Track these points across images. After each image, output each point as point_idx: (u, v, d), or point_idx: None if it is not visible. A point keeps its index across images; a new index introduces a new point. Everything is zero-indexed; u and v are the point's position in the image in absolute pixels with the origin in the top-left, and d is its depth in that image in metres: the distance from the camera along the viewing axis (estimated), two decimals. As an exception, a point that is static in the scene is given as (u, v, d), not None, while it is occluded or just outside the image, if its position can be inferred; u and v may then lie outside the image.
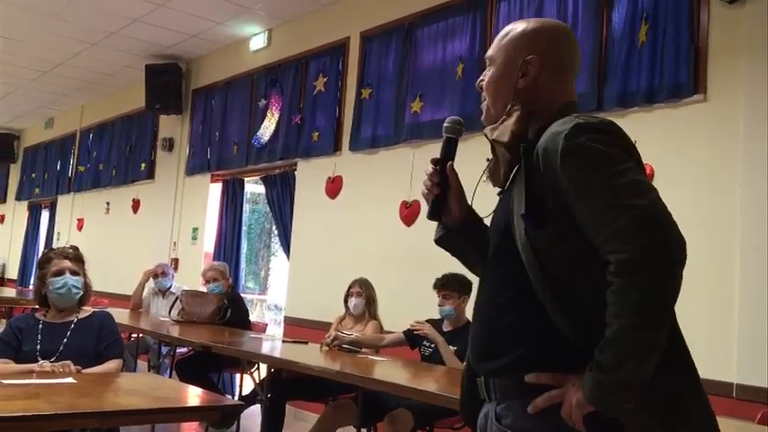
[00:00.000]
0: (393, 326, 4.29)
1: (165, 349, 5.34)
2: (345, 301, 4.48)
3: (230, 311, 5.29)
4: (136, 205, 8.53)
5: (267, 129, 6.41)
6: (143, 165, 8.41)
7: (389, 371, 3.68)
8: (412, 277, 4.72)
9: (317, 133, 5.87)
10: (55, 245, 9.19)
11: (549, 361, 1.32)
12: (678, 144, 3.60)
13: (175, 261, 7.51)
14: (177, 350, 5.24)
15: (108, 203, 9.14)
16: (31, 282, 9.87)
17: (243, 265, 7.24)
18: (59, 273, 3.01)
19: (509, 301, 1.39)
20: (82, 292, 3.06)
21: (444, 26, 4.96)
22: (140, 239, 8.19)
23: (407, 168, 4.96)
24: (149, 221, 8.19)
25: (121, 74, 8.42)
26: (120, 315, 4.85)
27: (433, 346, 3.83)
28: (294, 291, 6.07)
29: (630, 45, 3.81)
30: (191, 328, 4.96)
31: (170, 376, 5.03)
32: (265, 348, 4.31)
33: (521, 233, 1.35)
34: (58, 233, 10.29)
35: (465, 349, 3.67)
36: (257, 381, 4.56)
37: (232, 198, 7.05)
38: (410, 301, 4.58)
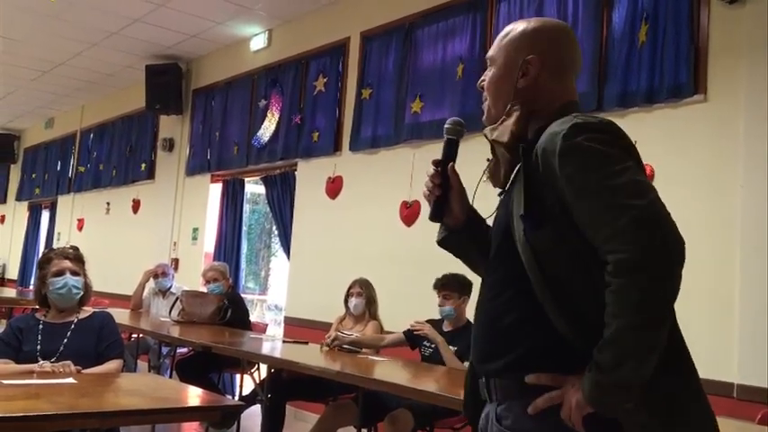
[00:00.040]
0: (393, 326, 4.29)
1: (165, 349, 5.34)
2: (346, 302, 4.48)
3: (230, 312, 5.29)
4: (136, 205, 8.54)
5: (267, 129, 6.41)
6: (143, 165, 8.41)
7: (390, 371, 3.68)
8: (412, 277, 4.72)
9: (317, 133, 5.88)
10: (55, 245, 9.20)
11: (549, 361, 1.31)
12: (678, 144, 3.60)
13: (176, 261, 7.51)
14: (177, 350, 5.24)
15: (108, 204, 9.14)
16: (32, 282, 9.87)
17: (243, 265, 7.24)
18: (60, 273, 3.01)
19: (509, 301, 1.39)
20: (82, 293, 3.06)
21: (444, 26, 4.96)
22: (140, 240, 8.20)
23: (408, 168, 4.96)
24: (150, 222, 8.19)
25: (122, 74, 8.42)
26: (121, 315, 4.85)
27: (433, 346, 3.83)
28: (294, 291, 6.07)
29: (630, 45, 3.81)
30: (191, 328, 4.96)
31: (170, 376, 5.03)
32: (265, 349, 4.31)
33: (520, 234, 1.35)
34: (59, 233, 10.29)
35: (465, 349, 3.70)
36: (257, 381, 4.56)
37: (232, 198, 7.06)
38: (410, 301, 4.58)
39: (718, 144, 3.47)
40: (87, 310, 3.12)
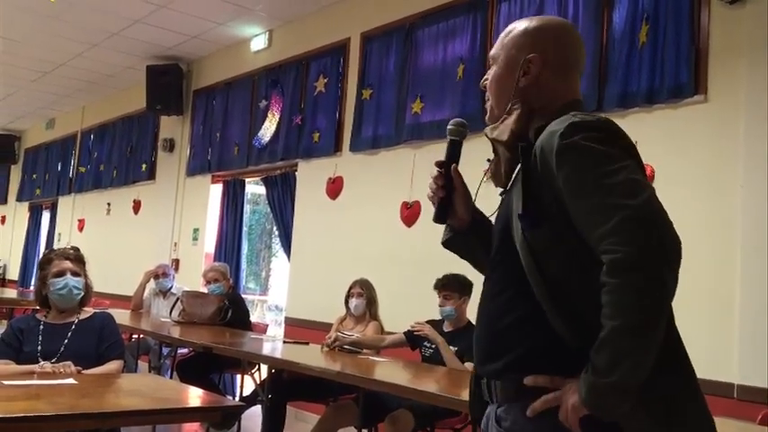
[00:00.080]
0: (394, 326, 4.29)
1: (165, 350, 5.35)
2: (346, 302, 4.48)
3: (231, 312, 5.30)
4: (137, 206, 8.54)
5: (268, 129, 6.41)
6: (144, 165, 8.41)
7: (390, 372, 3.68)
8: (413, 278, 4.72)
9: (317, 134, 5.88)
10: (56, 246, 9.22)
11: (548, 362, 1.31)
12: (679, 144, 3.60)
13: (176, 262, 7.52)
14: (178, 351, 5.24)
15: (109, 204, 9.15)
16: (32, 283, 9.87)
17: (244, 265, 7.24)
18: (60, 274, 3.01)
19: (509, 301, 1.39)
20: (83, 293, 3.06)
21: (445, 27, 4.96)
22: (141, 240, 8.20)
23: (408, 169, 4.96)
24: (150, 222, 8.19)
25: (122, 75, 8.42)
26: (121, 316, 4.85)
27: (433, 346, 3.82)
28: (295, 291, 6.08)
29: (631, 45, 3.81)
30: (191, 328, 4.96)
31: (171, 377, 5.03)
32: (266, 349, 4.31)
33: (518, 233, 1.35)
34: (59, 234, 10.29)
35: (465, 350, 3.70)
36: (258, 381, 4.56)
37: (233, 199, 7.06)
38: (411, 301, 4.58)
39: (718, 144, 3.47)
40: (88, 311, 3.12)
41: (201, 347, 4.23)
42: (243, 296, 6.06)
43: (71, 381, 2.63)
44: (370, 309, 4.41)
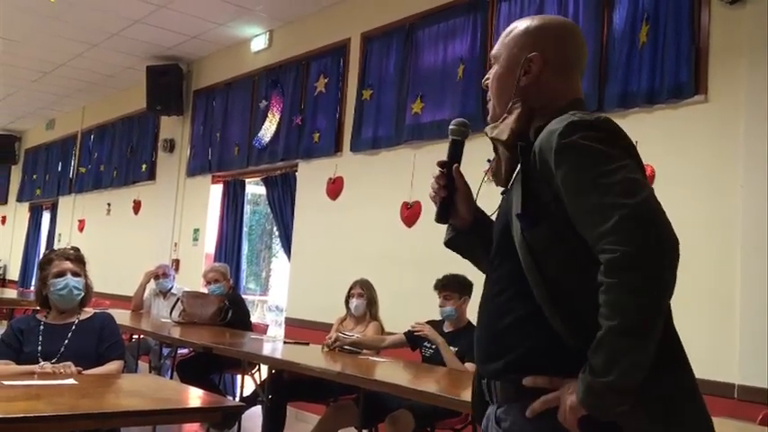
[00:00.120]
0: (394, 327, 4.29)
1: (166, 350, 5.35)
2: (346, 302, 4.48)
3: (231, 312, 5.30)
4: (137, 206, 8.54)
5: (268, 130, 6.41)
6: (144, 166, 8.41)
7: (390, 372, 3.68)
8: (413, 278, 4.72)
9: (317, 134, 5.88)
10: (56, 246, 9.21)
11: (548, 362, 1.31)
12: (679, 144, 3.60)
13: (176, 262, 7.52)
14: (178, 351, 5.24)
15: (109, 204, 9.15)
16: (33, 283, 9.87)
17: (244, 266, 7.25)
18: (60, 274, 3.01)
19: (510, 301, 1.38)
20: (83, 294, 3.06)
21: (445, 27, 4.96)
22: (141, 241, 8.20)
23: (408, 169, 4.96)
24: (150, 222, 8.19)
25: (122, 75, 8.43)
26: (122, 316, 4.85)
27: (433, 347, 3.82)
28: (295, 292, 6.07)
29: (631, 45, 3.81)
30: (192, 329, 4.96)
31: (171, 377, 5.03)
32: (266, 349, 4.30)
33: (517, 232, 1.35)
34: (59, 234, 10.29)
35: (466, 350, 3.70)
36: (258, 382, 4.56)
37: (233, 199, 7.06)
38: (411, 302, 4.58)
39: (718, 144, 3.47)
40: (88, 311, 3.12)
41: (202, 348, 4.23)
42: (243, 296, 6.07)
43: (71, 381, 2.63)
44: (371, 309, 4.41)
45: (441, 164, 1.61)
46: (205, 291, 5.56)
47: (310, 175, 5.97)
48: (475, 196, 1.63)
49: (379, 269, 4.91)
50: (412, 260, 4.86)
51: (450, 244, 1.67)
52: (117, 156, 9.03)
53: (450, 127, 1.64)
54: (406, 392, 3.06)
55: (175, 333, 4.73)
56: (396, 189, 5.07)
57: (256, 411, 4.70)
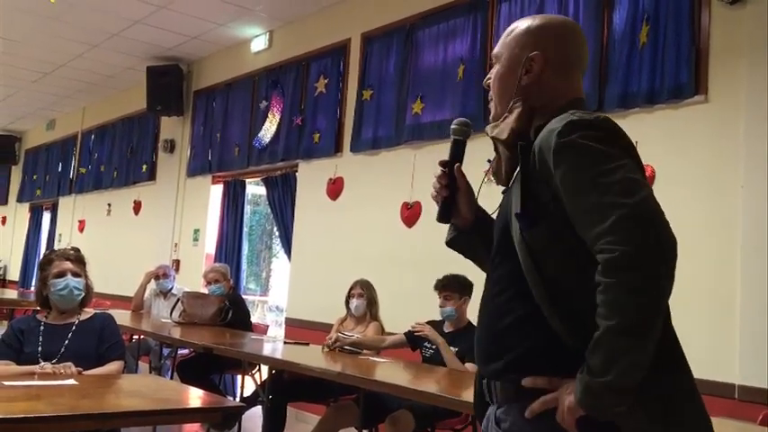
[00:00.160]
0: (394, 327, 4.29)
1: (166, 351, 5.35)
2: (347, 303, 4.48)
3: (231, 313, 5.30)
4: (137, 207, 8.54)
5: (268, 130, 6.41)
6: (144, 166, 8.42)
7: (391, 372, 3.68)
8: (413, 278, 4.72)
9: (318, 135, 5.88)
10: (56, 246, 9.22)
11: (548, 362, 1.30)
12: (679, 145, 3.60)
13: (177, 262, 7.52)
14: (178, 351, 5.24)
15: (109, 205, 9.15)
16: (33, 283, 9.87)
17: (244, 266, 7.25)
18: (61, 274, 3.01)
19: (510, 301, 1.38)
20: (83, 294, 3.06)
21: (445, 27, 4.96)
22: (141, 241, 8.20)
23: (408, 169, 4.96)
24: (150, 223, 8.19)
25: (123, 75, 8.43)
26: (122, 316, 4.86)
27: (434, 347, 3.82)
28: (295, 292, 6.07)
29: (631, 46, 3.81)
30: (192, 329, 4.96)
31: (171, 378, 5.03)
32: (266, 350, 4.30)
33: (517, 233, 1.35)
34: (60, 235, 10.30)
35: (466, 350, 3.70)
36: (258, 382, 4.56)
37: (233, 199, 7.06)
38: (411, 302, 4.58)
39: (718, 144, 3.47)
40: (88, 312, 3.12)
41: (202, 348, 4.23)
42: (243, 297, 6.07)
43: (71, 381, 2.63)
44: (371, 309, 4.41)
45: (442, 163, 1.61)
46: (205, 291, 5.56)
47: (310, 176, 5.97)
48: (476, 196, 1.63)
49: (380, 269, 4.91)
50: (412, 260, 4.86)
51: (451, 243, 1.67)
52: (117, 156, 9.04)
53: (452, 126, 1.64)
54: (406, 393, 3.06)
55: (176, 333, 4.73)
56: (396, 189, 5.07)
57: (257, 412, 4.70)
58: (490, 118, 1.56)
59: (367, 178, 5.41)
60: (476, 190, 1.63)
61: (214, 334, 4.74)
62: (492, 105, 1.56)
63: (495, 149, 1.52)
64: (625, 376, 1.16)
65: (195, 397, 2.86)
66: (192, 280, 6.87)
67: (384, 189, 5.22)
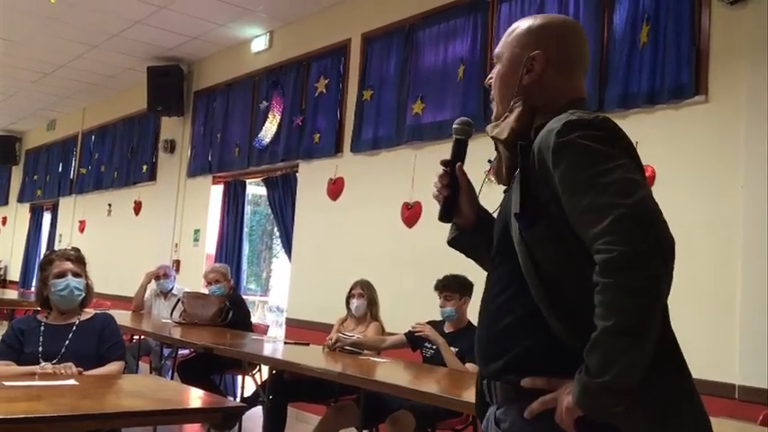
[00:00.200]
0: (394, 327, 4.29)
1: (166, 351, 5.35)
2: (347, 303, 4.49)
3: (232, 313, 5.30)
4: (137, 207, 8.54)
5: (268, 130, 6.41)
6: (145, 166, 8.42)
7: (391, 372, 3.68)
8: (413, 279, 4.72)
9: (318, 135, 5.88)
10: (57, 247, 9.22)
11: (547, 362, 1.30)
12: (679, 145, 3.60)
13: (177, 263, 7.52)
14: (179, 352, 5.24)
15: (110, 205, 9.15)
16: (33, 284, 9.87)
17: (244, 266, 7.25)
18: (61, 274, 3.01)
19: (509, 301, 1.38)
20: (84, 294, 3.06)
21: (445, 27, 4.96)
22: (142, 241, 8.20)
23: (409, 170, 4.96)
24: (151, 223, 8.19)
25: (123, 76, 8.43)
26: (122, 317, 4.86)
27: (434, 347, 3.82)
28: (296, 292, 6.08)
29: (632, 46, 3.81)
30: (192, 329, 4.96)
31: (171, 378, 5.03)
32: (267, 350, 4.31)
33: (516, 232, 1.35)
34: (60, 235, 10.30)
35: (466, 350, 3.70)
36: (259, 382, 4.56)
37: (234, 200, 7.06)
38: (411, 302, 4.58)
39: (719, 145, 3.47)
40: (89, 312, 3.12)
41: (202, 348, 4.23)
42: (244, 297, 6.07)
43: (72, 382, 2.63)
44: (371, 310, 4.42)
45: (444, 162, 1.61)
46: (206, 291, 5.56)
47: (311, 176, 5.97)
48: (477, 195, 1.64)
49: (380, 270, 4.91)
50: (412, 261, 4.86)
51: (453, 243, 1.68)
52: (118, 156, 9.04)
53: (454, 126, 1.65)
54: (406, 393, 3.06)
55: (176, 334, 4.73)
56: (396, 189, 5.07)
57: (257, 412, 4.69)
58: (492, 118, 1.56)
59: (367, 178, 5.42)
60: (477, 190, 1.63)
61: (214, 334, 4.74)
62: (494, 105, 1.56)
63: (496, 149, 1.52)
64: (623, 377, 1.16)
65: (196, 397, 2.86)
66: (192, 280, 6.88)
67: (384, 189, 5.22)
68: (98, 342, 2.99)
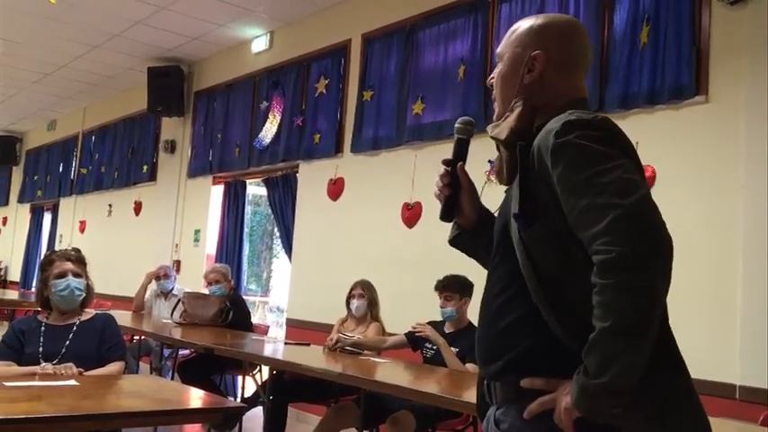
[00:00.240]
0: (395, 328, 4.29)
1: (167, 351, 5.35)
2: (347, 303, 4.49)
3: (232, 313, 5.30)
4: (138, 207, 8.55)
5: (269, 131, 6.41)
6: (145, 167, 8.42)
7: (391, 373, 3.68)
8: (414, 279, 4.72)
9: (318, 135, 5.88)
10: (57, 247, 9.21)
11: (546, 364, 1.30)
12: (679, 145, 3.60)
13: (177, 263, 7.52)
14: (179, 352, 5.24)
15: (110, 206, 9.15)
16: (34, 284, 9.87)
17: (245, 266, 7.25)
18: (62, 275, 3.01)
19: (509, 301, 1.38)
20: (84, 295, 3.06)
21: (446, 28, 4.96)
22: (142, 241, 8.20)
23: (409, 170, 4.96)
24: (151, 223, 8.20)
25: (123, 76, 8.43)
26: (123, 317, 4.86)
27: (434, 347, 3.82)
28: (296, 292, 6.08)
29: (632, 46, 3.81)
30: (193, 330, 4.96)
31: (172, 378, 5.03)
32: (267, 350, 4.31)
33: (515, 233, 1.35)
34: (61, 235, 10.30)
35: (467, 351, 3.70)
36: (259, 383, 4.57)
37: (234, 200, 7.07)
38: (412, 302, 4.58)
39: (719, 145, 3.47)
40: (89, 312, 3.12)
41: (203, 349, 4.23)
42: (244, 297, 6.07)
43: (72, 382, 2.63)
44: (372, 310, 4.42)
45: (446, 162, 1.61)
46: (206, 292, 5.56)
47: (311, 176, 5.97)
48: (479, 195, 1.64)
49: (380, 270, 4.91)
50: (413, 261, 4.86)
51: (454, 242, 1.67)
52: (118, 157, 9.04)
53: (456, 125, 1.65)
54: (407, 393, 3.06)
55: (176, 334, 4.73)
56: (397, 190, 5.07)
57: (257, 412, 4.69)
58: (494, 117, 1.56)
59: (368, 179, 5.42)
60: (478, 190, 1.63)
61: (215, 334, 4.74)
62: (496, 105, 1.56)
63: (497, 149, 1.52)
64: (621, 377, 1.16)
65: (196, 397, 2.86)
66: (192, 280, 6.88)
67: (385, 189, 5.22)
68: (98, 342, 2.99)
